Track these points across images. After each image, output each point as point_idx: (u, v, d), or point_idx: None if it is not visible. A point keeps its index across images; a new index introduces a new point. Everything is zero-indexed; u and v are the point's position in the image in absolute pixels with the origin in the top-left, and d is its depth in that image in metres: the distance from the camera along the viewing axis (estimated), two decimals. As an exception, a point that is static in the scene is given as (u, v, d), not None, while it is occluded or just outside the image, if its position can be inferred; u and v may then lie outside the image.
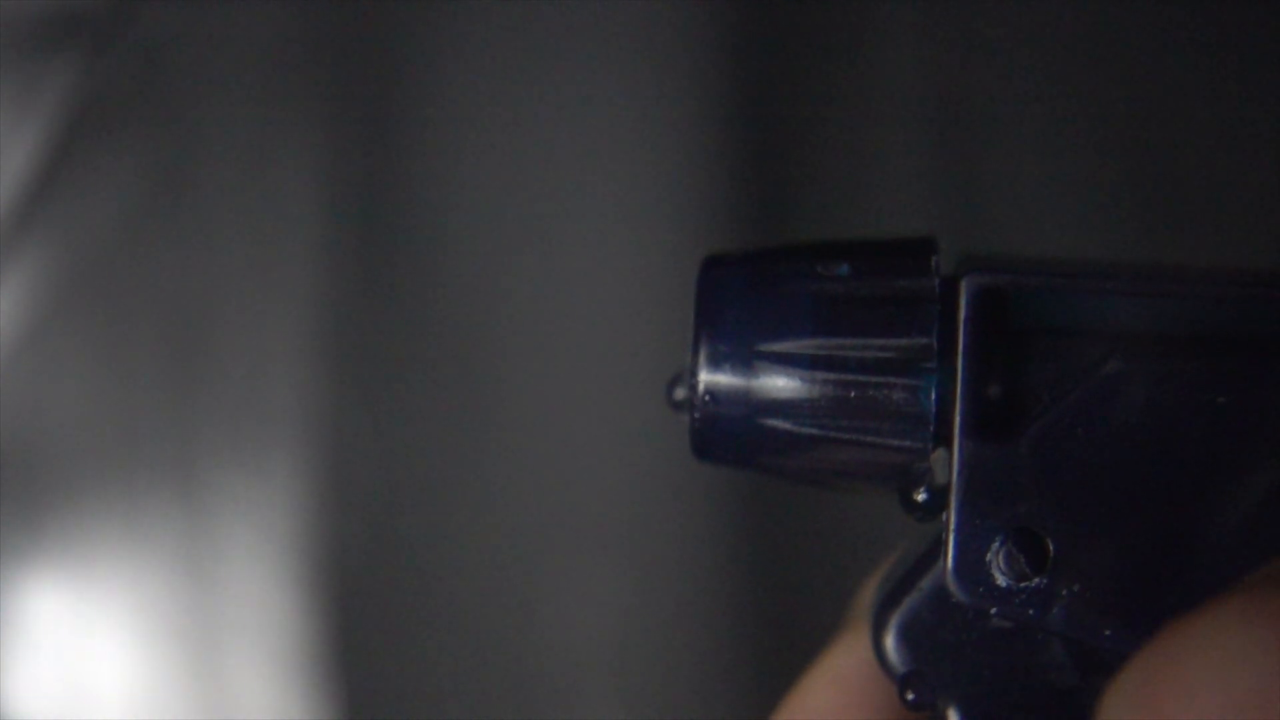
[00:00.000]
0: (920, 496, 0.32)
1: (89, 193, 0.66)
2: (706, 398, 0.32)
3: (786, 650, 0.66)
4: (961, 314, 0.31)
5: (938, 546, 0.32)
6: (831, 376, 0.31)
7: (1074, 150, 0.65)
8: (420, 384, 0.67)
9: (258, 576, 0.66)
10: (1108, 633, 0.31)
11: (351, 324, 0.67)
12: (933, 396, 0.31)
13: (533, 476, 0.67)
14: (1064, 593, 0.31)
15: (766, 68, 0.67)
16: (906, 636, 0.33)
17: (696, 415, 0.32)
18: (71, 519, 0.66)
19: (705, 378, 0.32)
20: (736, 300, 0.32)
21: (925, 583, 0.32)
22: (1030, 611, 0.31)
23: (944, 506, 0.32)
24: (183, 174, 0.67)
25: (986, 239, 0.63)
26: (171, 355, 0.67)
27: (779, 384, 0.32)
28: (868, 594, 0.39)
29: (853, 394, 0.31)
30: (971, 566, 0.31)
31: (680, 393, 0.34)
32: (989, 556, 0.31)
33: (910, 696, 0.33)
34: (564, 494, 0.67)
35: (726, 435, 0.32)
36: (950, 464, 0.31)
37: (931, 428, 0.32)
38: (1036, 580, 0.31)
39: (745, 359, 0.32)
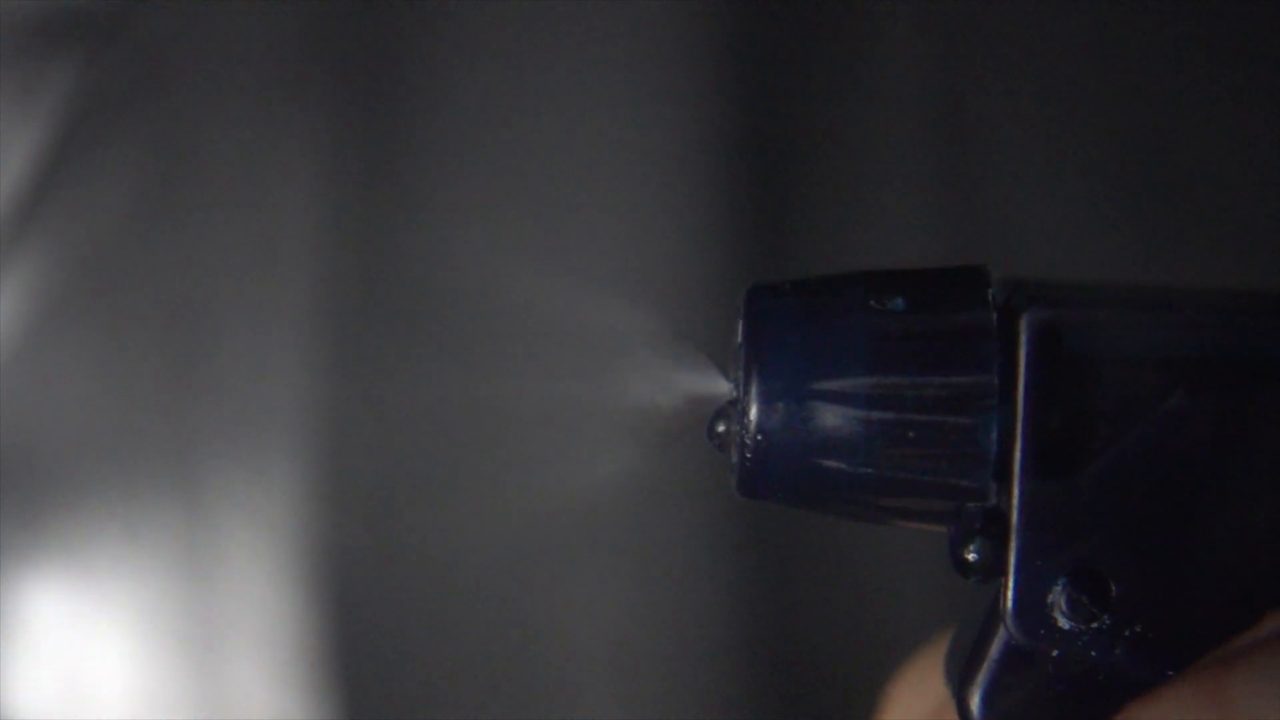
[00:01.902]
0: (972, 556, 0.31)
1: (89, 193, 0.66)
2: (759, 437, 0.31)
3: (787, 651, 0.66)
4: (1023, 351, 0.31)
5: (995, 613, 0.32)
6: (889, 416, 0.31)
7: (1076, 154, 0.65)
8: (420, 383, 0.66)
9: (258, 577, 0.66)
10: (1171, 673, 0.31)
11: (351, 324, 0.67)
12: (993, 434, 0.31)
13: (533, 476, 0.67)
14: (1127, 633, 0.31)
15: (767, 71, 0.67)
16: (992, 705, 0.32)
17: (748, 455, 0.31)
18: (71, 519, 0.66)
19: (758, 417, 0.31)
20: (788, 336, 0.31)
21: (994, 650, 0.32)
22: (1092, 654, 0.31)
23: (999, 571, 0.31)
24: (183, 174, 0.66)
25: (988, 243, 0.63)
26: (171, 355, 0.66)
27: (834, 423, 0.31)
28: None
29: (911, 434, 0.31)
30: (1032, 609, 0.31)
31: (721, 425, 0.32)
32: (1050, 598, 0.31)
33: None
34: (565, 494, 0.66)
35: (778, 475, 0.31)
36: (1010, 503, 0.31)
37: (991, 466, 0.31)
38: (1099, 622, 0.31)
39: (799, 397, 0.31)
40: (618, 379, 0.35)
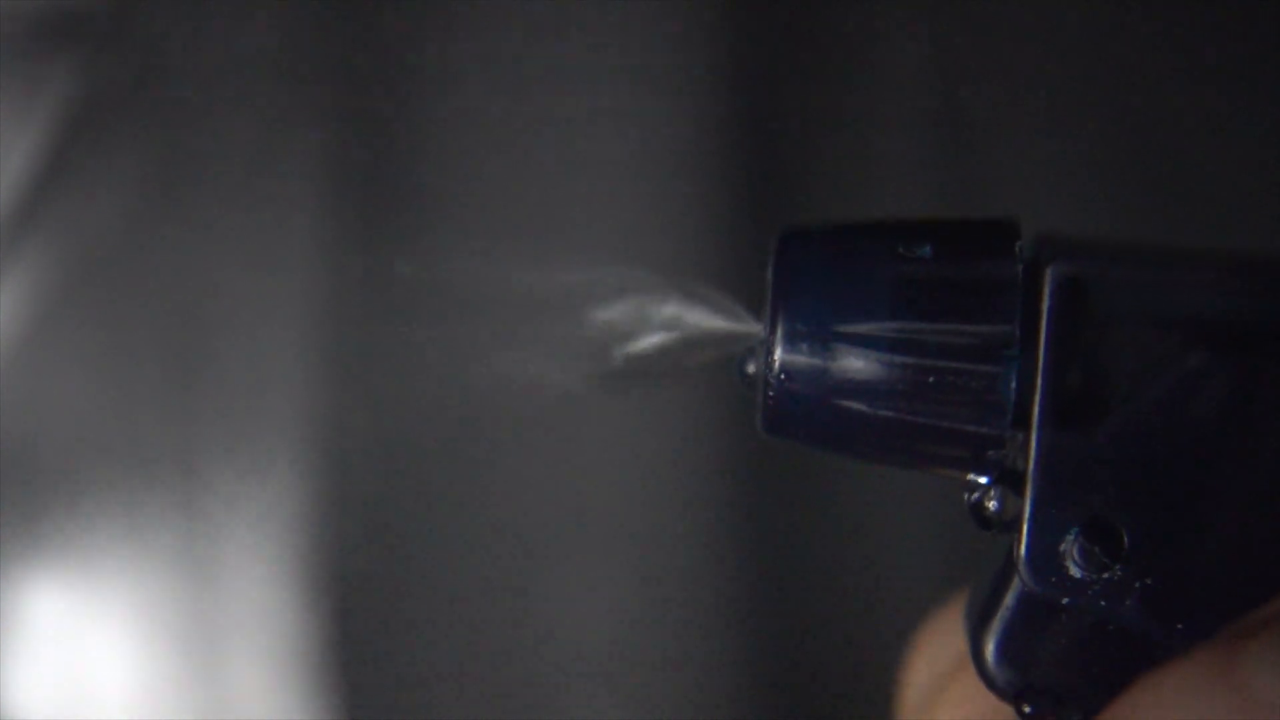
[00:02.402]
0: (993, 504, 0.32)
1: (89, 193, 0.66)
2: (782, 376, 0.32)
3: (787, 650, 0.66)
4: (1045, 303, 0.31)
5: (1009, 563, 0.32)
6: (910, 361, 0.31)
7: (1077, 149, 0.65)
8: (420, 384, 0.67)
9: (258, 577, 0.66)
10: (1180, 627, 0.31)
11: (351, 324, 0.67)
12: (1013, 384, 0.31)
13: (533, 476, 0.67)
14: (1137, 585, 0.31)
15: (767, 67, 0.67)
16: (1007, 654, 0.32)
17: (771, 394, 0.32)
18: (71, 519, 0.66)
19: (782, 356, 0.32)
20: (815, 279, 0.32)
21: (1009, 598, 0.32)
22: (1103, 604, 0.31)
23: (1016, 527, 0.32)
24: (183, 174, 0.67)
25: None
26: (171, 355, 0.67)
27: (856, 366, 0.32)
28: (915, 679, 0.39)
29: (931, 379, 0.31)
30: (1045, 556, 0.31)
31: (752, 367, 0.33)
32: (1063, 547, 0.31)
33: (1028, 710, 0.32)
34: (564, 494, 0.67)
35: (800, 415, 0.32)
36: (1028, 453, 0.31)
37: (1010, 415, 0.31)
38: (1110, 572, 0.31)
39: (823, 339, 0.32)
40: (638, 358, 0.36)
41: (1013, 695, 0.33)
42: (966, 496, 0.32)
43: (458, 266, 0.65)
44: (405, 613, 0.67)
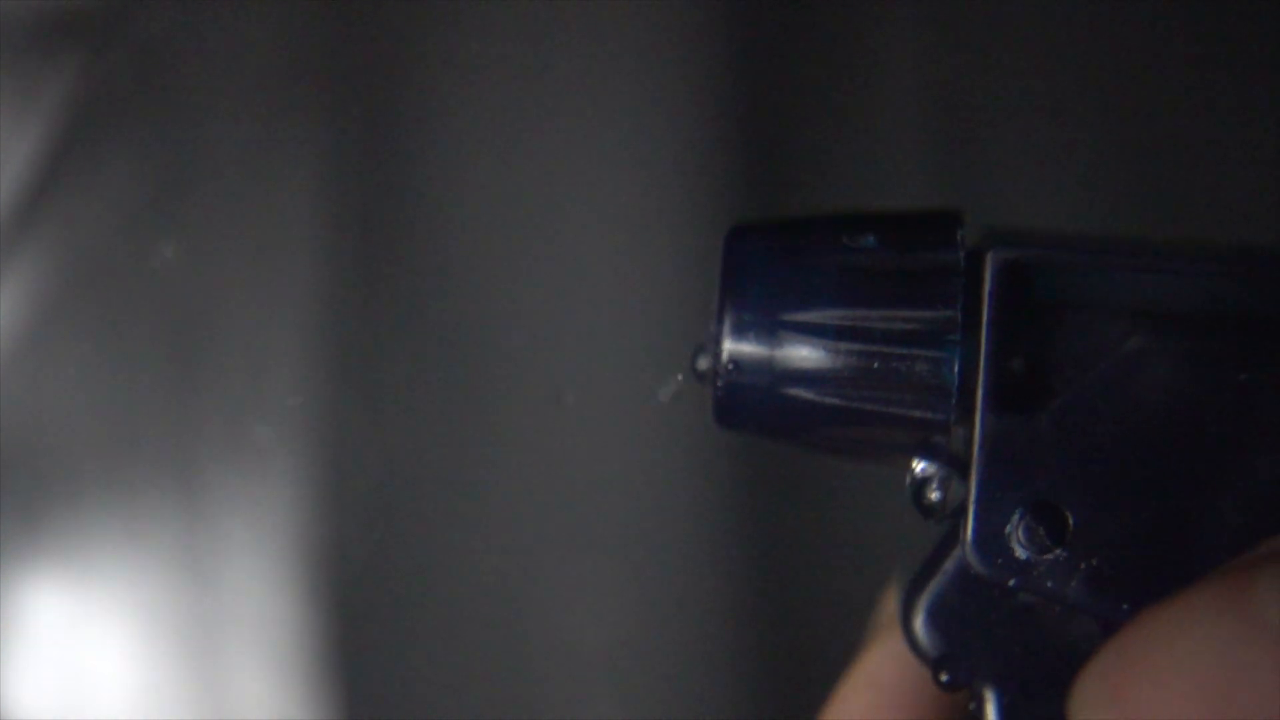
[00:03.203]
0: (935, 495, 0.32)
1: (89, 193, 0.66)
2: (730, 366, 0.32)
3: (787, 650, 0.66)
4: (986, 288, 0.32)
5: (956, 530, 0.32)
6: (855, 347, 0.32)
7: (1075, 147, 0.65)
8: (421, 383, 0.67)
9: (258, 576, 0.66)
10: (1126, 606, 0.31)
11: (351, 324, 0.67)
12: (956, 369, 0.32)
13: (533, 476, 0.67)
14: (1083, 566, 0.31)
15: (767, 63, 0.67)
16: (935, 619, 0.33)
17: (719, 384, 0.33)
18: (71, 519, 0.66)
19: (729, 346, 0.32)
20: (762, 270, 0.32)
21: (948, 565, 0.33)
22: (1049, 584, 0.32)
23: (960, 512, 0.32)
24: (183, 174, 0.67)
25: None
26: (171, 355, 0.67)
27: (803, 354, 0.32)
28: (891, 600, 0.39)
29: (876, 365, 0.32)
30: (991, 539, 0.32)
31: (704, 362, 0.34)
32: (1009, 529, 0.32)
33: (945, 679, 0.33)
34: (565, 494, 0.67)
35: (749, 404, 0.33)
36: (972, 436, 0.32)
37: (954, 400, 0.32)
38: (1055, 554, 0.31)
39: (769, 329, 0.32)
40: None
41: (933, 661, 0.33)
42: (909, 486, 0.33)
43: (456, 265, 0.65)
44: (405, 612, 0.67)
